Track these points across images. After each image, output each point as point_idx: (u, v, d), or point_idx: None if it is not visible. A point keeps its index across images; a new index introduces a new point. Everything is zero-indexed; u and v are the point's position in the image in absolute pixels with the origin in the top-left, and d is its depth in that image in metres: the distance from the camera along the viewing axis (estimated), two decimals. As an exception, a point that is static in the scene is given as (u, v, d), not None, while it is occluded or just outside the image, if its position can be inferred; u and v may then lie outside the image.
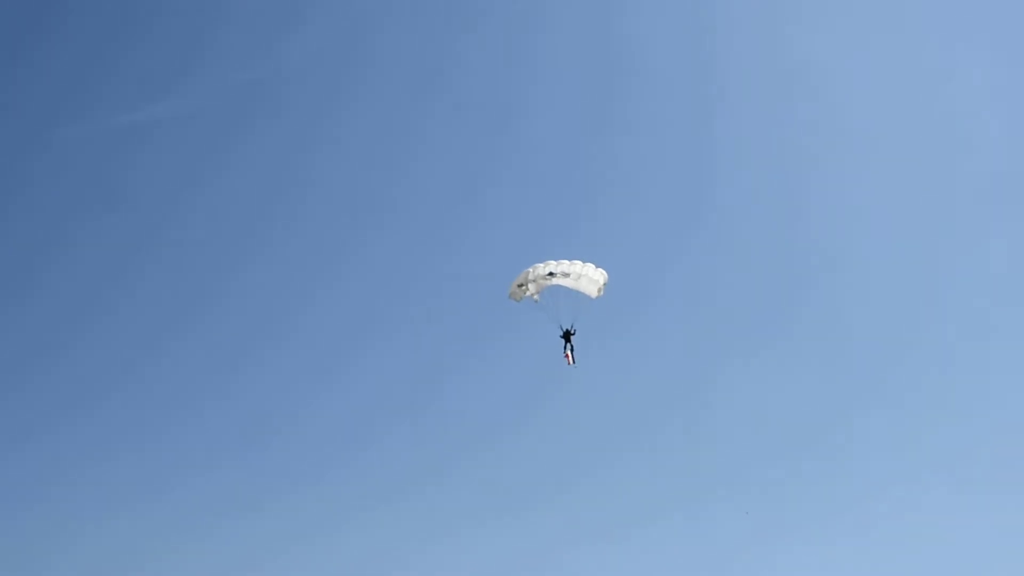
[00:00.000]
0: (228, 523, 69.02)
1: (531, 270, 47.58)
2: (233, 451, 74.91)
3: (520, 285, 47.65)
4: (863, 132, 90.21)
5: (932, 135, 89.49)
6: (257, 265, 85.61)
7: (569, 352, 49.60)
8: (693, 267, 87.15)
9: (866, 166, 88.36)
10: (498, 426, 77.88)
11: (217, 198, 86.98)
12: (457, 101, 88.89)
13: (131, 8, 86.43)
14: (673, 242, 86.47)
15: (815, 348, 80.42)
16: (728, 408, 77.43)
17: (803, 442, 74.75)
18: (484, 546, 67.01)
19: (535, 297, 48.21)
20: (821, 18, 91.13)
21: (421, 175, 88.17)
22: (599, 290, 48.04)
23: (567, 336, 49.51)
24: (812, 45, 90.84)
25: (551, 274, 46.94)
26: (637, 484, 71.56)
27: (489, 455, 75.19)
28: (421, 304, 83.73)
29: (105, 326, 80.00)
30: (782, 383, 78.47)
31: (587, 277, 47.54)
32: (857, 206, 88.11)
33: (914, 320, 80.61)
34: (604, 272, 48.22)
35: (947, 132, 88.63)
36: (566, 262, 48.11)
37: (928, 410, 74.32)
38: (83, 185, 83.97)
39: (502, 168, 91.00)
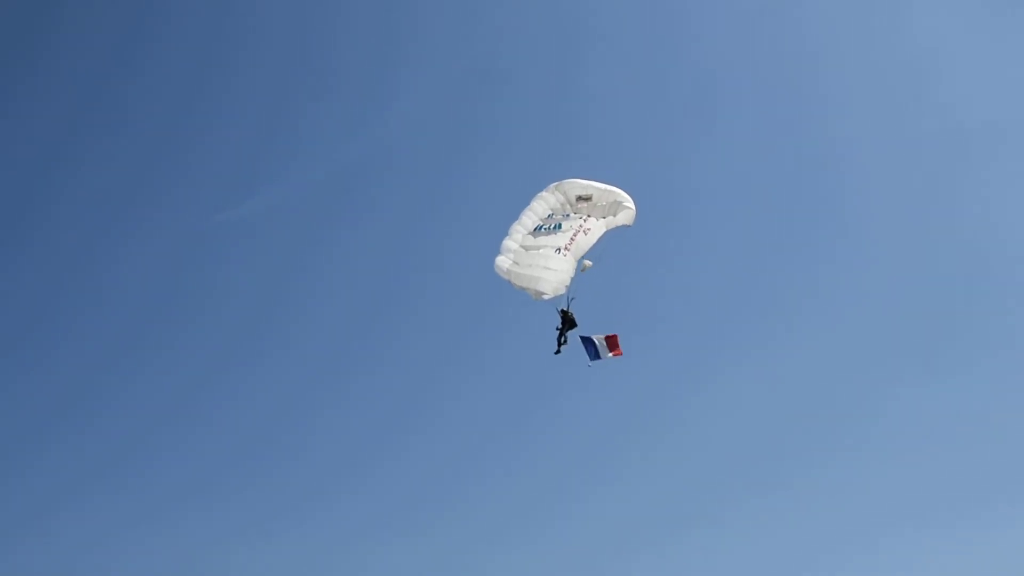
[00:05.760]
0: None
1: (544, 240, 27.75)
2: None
3: (537, 273, 27.80)
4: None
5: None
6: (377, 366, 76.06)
7: (598, 339, 29.32)
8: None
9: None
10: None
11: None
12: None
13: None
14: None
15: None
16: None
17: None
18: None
19: (585, 264, 28.36)
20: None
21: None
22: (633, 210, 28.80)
23: (572, 321, 29.55)
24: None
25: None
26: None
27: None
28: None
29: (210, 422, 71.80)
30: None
31: (614, 198, 28.19)
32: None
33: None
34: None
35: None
36: (550, 196, 28.56)
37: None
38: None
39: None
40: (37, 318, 76.58)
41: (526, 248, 28.16)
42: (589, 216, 28.49)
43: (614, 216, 28.45)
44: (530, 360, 66.92)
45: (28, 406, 71.20)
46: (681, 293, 75.59)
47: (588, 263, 28.33)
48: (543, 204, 28.78)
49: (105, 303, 77.52)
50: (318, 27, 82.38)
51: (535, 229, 28.42)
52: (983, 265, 72.70)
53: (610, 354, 29.45)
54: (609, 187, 28.60)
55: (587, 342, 29.52)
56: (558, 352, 29.64)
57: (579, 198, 28.69)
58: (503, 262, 28.15)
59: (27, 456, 67.86)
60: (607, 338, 29.63)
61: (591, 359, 29.48)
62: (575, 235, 27.96)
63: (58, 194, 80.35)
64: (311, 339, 78.00)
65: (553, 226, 28.02)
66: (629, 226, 28.62)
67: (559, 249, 27.82)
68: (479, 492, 66.06)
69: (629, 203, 28.49)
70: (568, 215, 28.37)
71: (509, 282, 28.25)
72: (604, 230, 28.41)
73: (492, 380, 71.59)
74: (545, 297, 28.27)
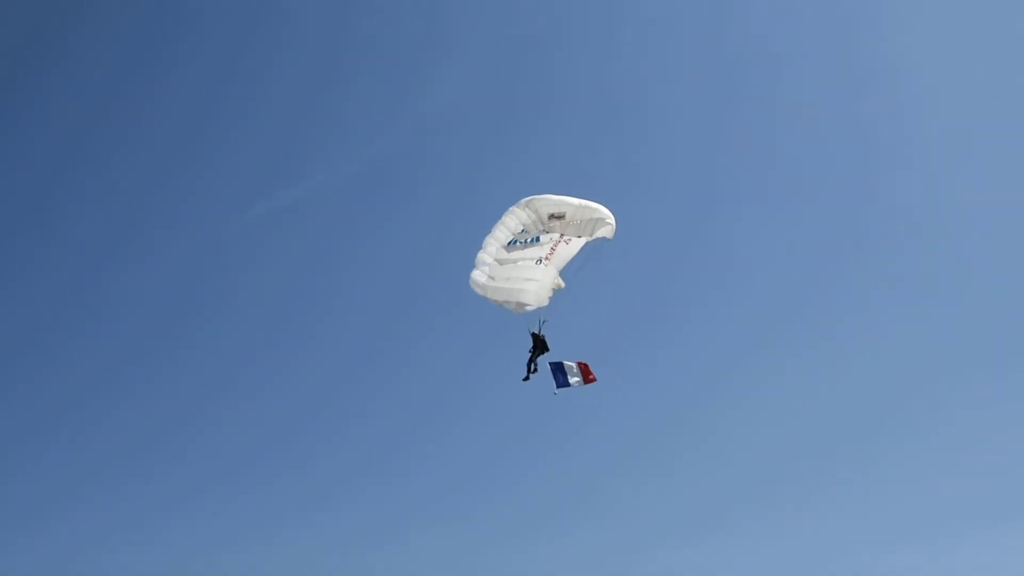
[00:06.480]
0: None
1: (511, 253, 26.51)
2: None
3: (509, 289, 26.58)
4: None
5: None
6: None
7: (569, 365, 27.80)
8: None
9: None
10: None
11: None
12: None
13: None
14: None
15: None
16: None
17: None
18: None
19: (558, 283, 27.12)
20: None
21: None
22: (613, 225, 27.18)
23: (543, 344, 27.97)
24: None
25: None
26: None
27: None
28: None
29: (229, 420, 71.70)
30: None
31: (590, 215, 26.66)
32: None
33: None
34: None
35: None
36: (519, 213, 27.37)
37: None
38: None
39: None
40: (66, 314, 76.48)
41: (501, 262, 26.88)
42: (563, 234, 27.19)
43: (591, 236, 27.11)
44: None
45: (50, 402, 70.74)
46: (734, 289, 74.58)
47: (560, 283, 27.10)
48: (515, 219, 27.45)
49: (134, 299, 78.09)
50: (351, 17, 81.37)
51: (509, 243, 27.09)
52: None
53: (580, 380, 27.96)
54: (585, 202, 27.15)
55: (556, 368, 28.07)
56: (527, 379, 28.30)
57: (551, 216, 27.19)
58: (479, 276, 26.90)
59: (44, 451, 67.61)
60: (579, 364, 28.18)
61: (557, 386, 28.07)
62: (555, 246, 26.71)
63: (87, 190, 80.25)
64: (344, 333, 77.66)
65: (530, 239, 26.82)
66: (609, 239, 27.09)
67: (539, 260, 26.52)
68: (507, 490, 65.40)
69: (609, 218, 27.05)
70: (543, 231, 27.19)
71: (486, 298, 26.93)
72: (585, 242, 27.08)
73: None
74: (528, 309, 26.91)
